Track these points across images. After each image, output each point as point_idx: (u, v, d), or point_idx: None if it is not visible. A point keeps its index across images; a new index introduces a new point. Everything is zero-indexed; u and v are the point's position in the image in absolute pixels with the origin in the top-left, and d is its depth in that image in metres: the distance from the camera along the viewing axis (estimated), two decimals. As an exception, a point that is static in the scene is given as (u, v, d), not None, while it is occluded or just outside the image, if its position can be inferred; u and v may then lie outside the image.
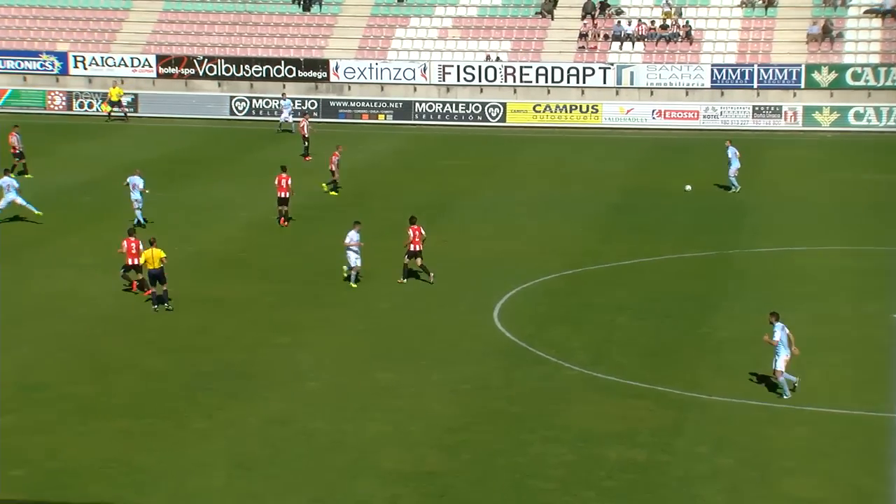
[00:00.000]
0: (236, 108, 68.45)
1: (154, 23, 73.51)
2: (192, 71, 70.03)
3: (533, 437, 26.05)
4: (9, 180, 44.35)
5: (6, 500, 22.51)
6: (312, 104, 67.92)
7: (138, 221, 42.95)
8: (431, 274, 37.07)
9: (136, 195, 43.67)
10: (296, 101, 67.61)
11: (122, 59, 70.48)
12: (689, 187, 49.56)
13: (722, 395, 28.25)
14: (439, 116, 67.34)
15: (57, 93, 69.47)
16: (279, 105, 65.74)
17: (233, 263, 39.60)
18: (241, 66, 69.90)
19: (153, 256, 33.93)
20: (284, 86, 68.48)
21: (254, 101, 68.46)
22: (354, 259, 36.65)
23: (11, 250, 40.22)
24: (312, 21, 72.80)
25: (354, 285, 36.52)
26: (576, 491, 23.62)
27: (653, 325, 33.36)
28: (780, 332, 27.87)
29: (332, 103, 68.15)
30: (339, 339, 32.46)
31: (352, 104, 68.15)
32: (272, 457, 24.94)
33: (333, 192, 49.22)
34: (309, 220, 45.43)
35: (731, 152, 49.88)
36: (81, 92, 69.41)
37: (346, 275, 36.93)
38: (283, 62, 69.71)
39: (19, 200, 43.70)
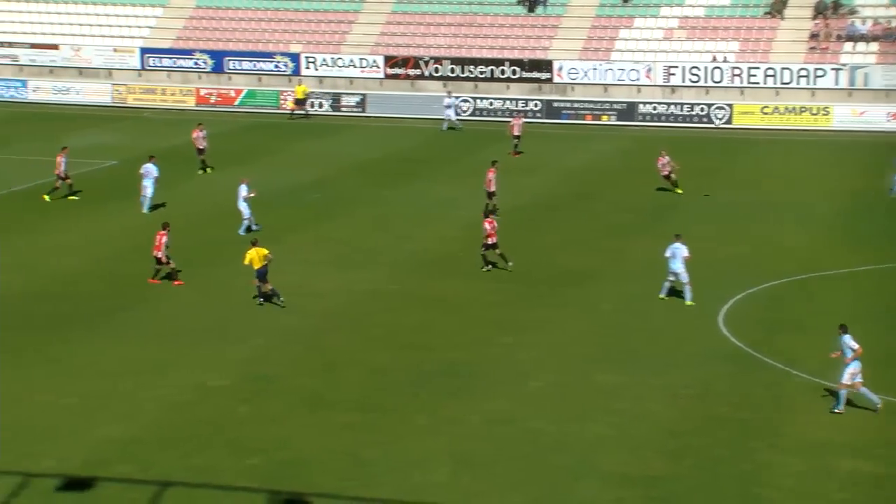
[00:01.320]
0: (460, 108, 69.15)
1: (382, 24, 74.94)
2: (418, 71, 71.15)
3: (759, 445, 25.51)
4: (150, 167, 46.08)
5: (243, 487, 23.28)
6: (536, 105, 68.16)
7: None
8: (510, 262, 37.88)
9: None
10: (518, 102, 68.04)
11: (351, 59, 72.14)
12: None
13: (961, 409, 27.13)
14: (663, 118, 66.64)
15: (289, 93, 71.45)
16: (444, 102, 66.31)
17: (454, 262, 39.99)
18: (466, 67, 70.63)
19: (257, 255, 34.61)
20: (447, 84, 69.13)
21: (477, 101, 69.10)
22: (685, 273, 35.11)
23: (244, 246, 41.54)
24: (537, 22, 73.01)
25: (691, 302, 35.06)
26: (805, 502, 23.02)
27: (886, 333, 32.21)
28: (847, 346, 26.84)
29: (555, 104, 68.22)
30: (560, 340, 32.42)
31: (575, 105, 68.06)
32: (495, 455, 25.09)
33: (678, 190, 49.46)
34: (529, 219, 45.63)
35: None
36: (312, 92, 71.22)
37: (663, 295, 35.40)
38: (506, 63, 70.14)
39: (148, 190, 45.51)
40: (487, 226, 38.12)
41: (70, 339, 31.71)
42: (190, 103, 72.55)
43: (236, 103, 72.00)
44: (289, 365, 30.27)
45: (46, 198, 47.23)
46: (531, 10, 73.43)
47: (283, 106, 70.84)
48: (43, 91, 74.57)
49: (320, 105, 70.93)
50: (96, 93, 73.87)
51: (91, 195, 48.86)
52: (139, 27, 77.36)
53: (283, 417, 26.89)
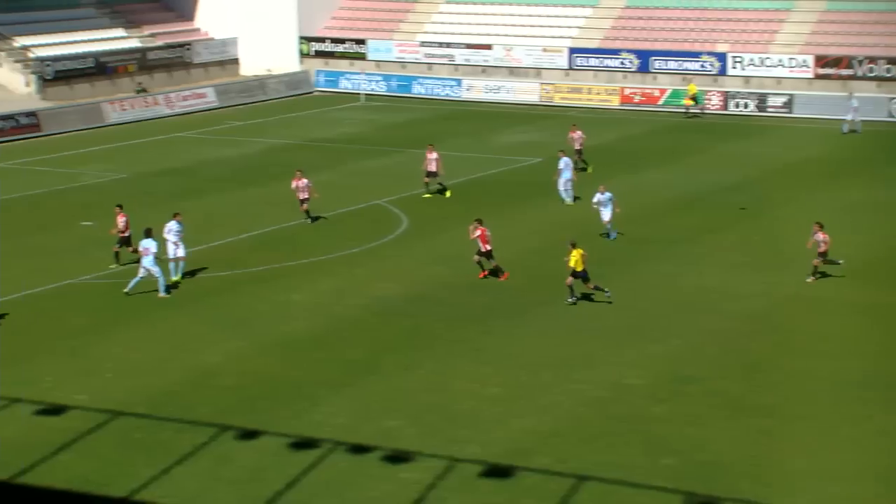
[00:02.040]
0: (893, 111, 66.12)
1: (814, 23, 72.77)
2: (851, 72, 68.61)
3: None
4: (567, 160, 47.73)
5: (658, 487, 23.29)
6: (981, 106, 64.32)
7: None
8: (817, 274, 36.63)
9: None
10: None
11: (780, 59, 70.50)
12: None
13: None
14: None
15: (714, 93, 70.74)
16: (848, 105, 63.09)
17: (886, 267, 38.32)
18: (902, 67, 67.60)
19: (580, 257, 34.44)
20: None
21: (914, 102, 65.99)
22: None
23: (662, 245, 41.59)
24: (985, 17, 68.77)
25: None
26: None
27: None
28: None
29: None
30: None
31: None
32: (925, 474, 23.88)
33: None
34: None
35: None
36: (738, 92, 70.22)
37: None
38: (947, 62, 66.50)
39: (563, 181, 47.38)
40: (821, 237, 36.49)
41: (493, 331, 32.78)
42: (614, 103, 73.19)
43: (660, 103, 71.98)
44: (707, 366, 29.97)
45: (427, 196, 49.15)
46: (977, 5, 69.22)
47: (706, 106, 70.17)
48: (475, 90, 77.47)
49: (745, 105, 69.77)
50: (525, 91, 75.95)
51: (515, 191, 50.34)
52: (568, 27, 78.87)
53: (701, 419, 26.65)
